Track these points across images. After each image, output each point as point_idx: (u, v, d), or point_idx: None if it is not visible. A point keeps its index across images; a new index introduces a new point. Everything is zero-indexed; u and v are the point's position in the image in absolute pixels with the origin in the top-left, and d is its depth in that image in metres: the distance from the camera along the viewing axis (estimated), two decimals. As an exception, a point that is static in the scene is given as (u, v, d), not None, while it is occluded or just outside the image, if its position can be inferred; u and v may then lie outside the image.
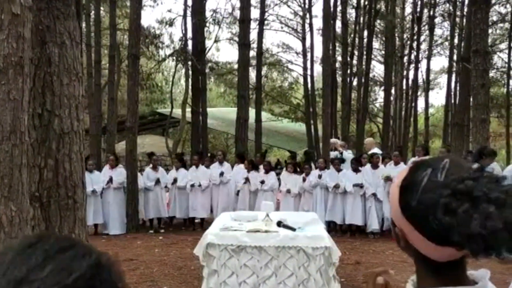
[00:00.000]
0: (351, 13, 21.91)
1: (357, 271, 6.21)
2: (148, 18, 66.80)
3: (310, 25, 19.31)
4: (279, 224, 4.91)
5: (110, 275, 0.62)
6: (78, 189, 2.67)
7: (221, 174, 9.66)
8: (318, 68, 25.75)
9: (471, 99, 9.88)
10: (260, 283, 4.74)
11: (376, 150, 10.77)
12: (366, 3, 18.35)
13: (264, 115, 24.23)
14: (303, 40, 22.65)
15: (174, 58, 16.06)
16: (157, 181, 9.70)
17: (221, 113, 23.70)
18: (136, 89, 8.97)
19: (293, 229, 4.80)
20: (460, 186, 0.79)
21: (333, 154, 10.51)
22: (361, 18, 19.32)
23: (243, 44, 12.21)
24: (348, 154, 10.73)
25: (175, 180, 9.74)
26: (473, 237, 0.76)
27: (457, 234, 0.77)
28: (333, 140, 11.19)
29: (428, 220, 0.81)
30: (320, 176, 9.32)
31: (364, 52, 18.43)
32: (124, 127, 24.40)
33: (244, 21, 12.22)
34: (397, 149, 11.17)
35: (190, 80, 15.32)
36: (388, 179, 8.62)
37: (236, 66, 19.96)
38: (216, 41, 20.02)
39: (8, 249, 0.58)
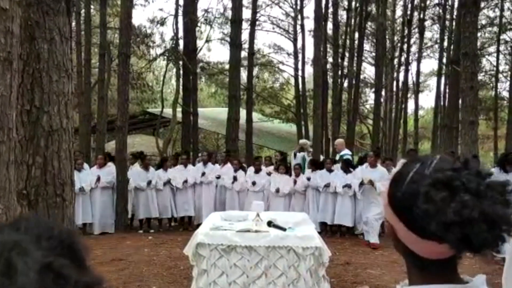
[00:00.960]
0: (342, 14, 22.03)
1: (347, 271, 6.22)
2: (139, 17, 66.41)
3: (302, 26, 19.36)
4: (270, 224, 4.91)
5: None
6: (67, 187, 2.63)
7: (203, 174, 9.66)
8: (309, 69, 25.79)
9: (460, 101, 9.96)
10: (250, 283, 4.73)
11: (346, 151, 10.54)
12: (357, 5, 18.43)
13: (255, 115, 24.25)
14: (295, 41, 22.70)
15: (165, 57, 15.96)
16: (149, 182, 9.65)
17: (212, 113, 23.66)
18: (126, 88, 8.91)
19: (284, 229, 4.80)
20: (440, 176, 0.81)
21: (299, 155, 10.23)
22: (352, 20, 19.40)
23: (235, 44, 12.20)
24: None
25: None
26: (449, 225, 0.77)
27: (434, 223, 0.78)
28: (302, 141, 10.76)
29: (411, 211, 0.82)
30: (308, 179, 9.34)
31: (355, 54, 18.49)
32: (114, 126, 24.32)
33: (235, 22, 12.20)
34: (375, 150, 10.99)
35: (181, 79, 15.24)
36: (371, 183, 8.41)
37: (227, 66, 19.94)
38: (207, 41, 19.98)
39: None
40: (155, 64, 24.39)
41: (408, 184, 0.85)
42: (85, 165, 9.52)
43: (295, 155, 10.29)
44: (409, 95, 27.30)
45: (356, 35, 20.32)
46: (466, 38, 8.83)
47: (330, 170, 9.50)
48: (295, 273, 4.68)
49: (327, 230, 9.47)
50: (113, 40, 20.53)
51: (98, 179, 9.29)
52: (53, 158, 2.53)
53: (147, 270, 6.19)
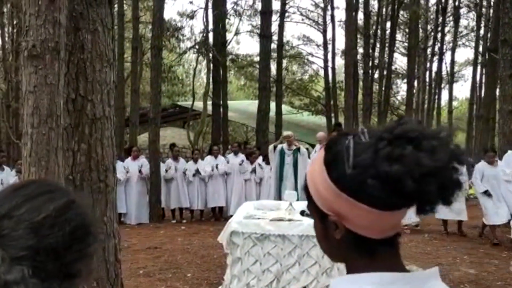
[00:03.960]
0: (374, 4, 21.65)
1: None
2: (170, 11, 66.89)
3: (332, 16, 19.12)
4: (303, 213, 4.87)
5: (76, 216, 0.74)
6: (110, 173, 2.73)
7: (216, 166, 9.77)
8: (339, 61, 25.51)
9: (498, 91, 9.67)
10: (283, 271, 4.77)
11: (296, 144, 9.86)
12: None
13: (284, 107, 24.22)
14: (324, 32, 22.48)
15: (195, 50, 16.11)
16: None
17: (241, 106, 23.74)
18: (158, 81, 9.06)
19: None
20: (396, 131, 0.74)
21: (288, 152, 8.46)
22: (384, 9, 19.03)
23: (264, 35, 12.20)
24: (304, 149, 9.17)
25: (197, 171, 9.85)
26: (425, 177, 0.70)
27: (410, 180, 0.70)
28: (288, 133, 9.11)
29: (368, 184, 0.73)
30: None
31: (387, 44, 18.16)
32: (146, 118, 24.73)
33: (265, 13, 12.18)
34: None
35: (204, 72, 15.39)
36: None
37: (256, 59, 19.94)
38: (237, 33, 20.03)
39: (2, 191, 0.74)
40: (185, 57, 24.66)
41: (355, 157, 0.75)
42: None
43: (274, 148, 8.72)
44: (443, 85, 26.66)
45: (388, 24, 19.97)
46: (505, 24, 8.55)
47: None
48: (328, 262, 4.69)
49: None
50: (144, 34, 20.87)
51: (140, 171, 9.51)
52: (96, 145, 2.63)
53: (182, 258, 6.31)
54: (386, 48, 18.39)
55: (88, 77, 2.59)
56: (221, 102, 16.95)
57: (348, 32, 11.24)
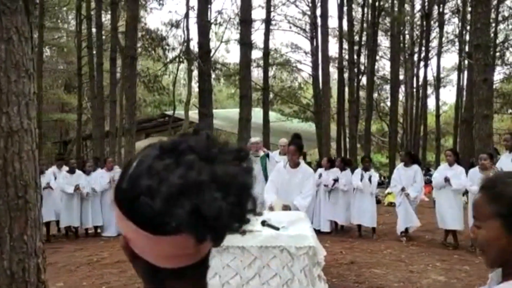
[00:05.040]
0: (359, 11, 21.74)
1: (350, 270, 6.07)
2: (156, 21, 66.90)
3: (315, 24, 19.14)
4: (263, 223, 4.81)
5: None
6: (30, 189, 2.61)
7: None
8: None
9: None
10: (243, 284, 4.65)
11: (265, 150, 9.49)
12: (370, 1, 18.12)
13: (274, 115, 24.19)
14: (312, 39, 22.53)
15: (177, 59, 16.06)
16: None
17: (230, 114, 23.67)
18: (134, 91, 8.96)
19: (277, 228, 4.70)
20: (163, 143, 0.68)
21: (255, 158, 7.79)
22: (369, 16, 19.09)
23: (244, 43, 12.15)
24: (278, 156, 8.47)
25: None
26: (175, 196, 0.61)
27: (159, 199, 0.62)
28: (256, 139, 8.34)
29: (138, 201, 0.64)
30: (320, 176, 9.24)
31: (366, 50, 18.19)
32: (139, 127, 24.53)
33: (245, 21, 12.15)
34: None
35: (195, 81, 15.33)
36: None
37: (244, 67, 19.90)
38: (221, 42, 20.00)
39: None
40: (174, 66, 24.63)
41: (134, 169, 0.68)
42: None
43: None
44: (431, 90, 26.75)
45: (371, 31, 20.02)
46: (478, 29, 8.52)
47: (342, 169, 9.40)
48: (289, 273, 4.58)
49: (338, 230, 9.33)
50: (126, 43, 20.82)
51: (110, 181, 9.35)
52: (13, 159, 2.51)
53: (149, 271, 6.17)
54: (367, 54, 18.38)
55: (3, 88, 2.48)
56: (207, 110, 16.86)
57: (324, 38, 11.15)
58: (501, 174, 1.46)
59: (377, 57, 26.38)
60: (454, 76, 29.58)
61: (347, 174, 9.28)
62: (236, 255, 4.64)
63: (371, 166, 9.23)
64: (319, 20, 19.74)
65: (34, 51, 2.61)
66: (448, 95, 67.71)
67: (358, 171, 8.97)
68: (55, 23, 25.22)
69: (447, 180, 7.56)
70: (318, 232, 9.02)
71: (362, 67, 20.00)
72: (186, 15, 14.19)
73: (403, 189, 8.27)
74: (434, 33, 24.61)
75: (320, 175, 9.33)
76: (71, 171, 8.99)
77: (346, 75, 18.82)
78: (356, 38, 20.41)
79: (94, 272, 6.25)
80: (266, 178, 7.43)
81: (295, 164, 5.98)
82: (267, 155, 7.57)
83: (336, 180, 9.21)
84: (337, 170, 9.31)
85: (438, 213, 7.87)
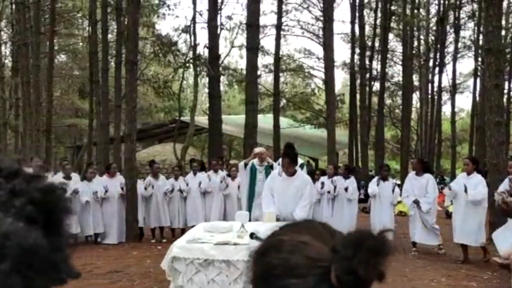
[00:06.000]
0: (372, 15, 21.39)
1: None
2: (167, 27, 67.11)
3: (324, 29, 18.83)
4: (252, 236, 4.57)
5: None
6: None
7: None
8: (340, 74, 25.18)
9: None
10: (229, 300, 4.42)
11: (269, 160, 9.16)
12: (381, 5, 17.79)
13: (286, 121, 23.95)
14: (324, 45, 22.24)
15: (184, 65, 15.99)
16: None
17: (240, 120, 23.55)
18: (134, 96, 8.84)
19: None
20: None
21: (260, 168, 7.54)
22: (379, 21, 18.77)
23: (251, 48, 11.98)
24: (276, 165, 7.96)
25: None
26: None
27: None
28: (260, 149, 7.82)
29: None
30: (322, 184, 8.98)
31: (380, 55, 17.84)
32: (146, 134, 24.49)
33: (251, 26, 11.99)
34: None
35: (202, 86, 15.22)
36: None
37: (258, 72, 19.76)
38: (233, 47, 19.90)
39: None
40: (181, 72, 24.63)
41: None
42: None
43: (245, 165, 7.77)
44: (447, 96, 26.14)
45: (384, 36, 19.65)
46: (489, 33, 8.19)
47: (346, 177, 9.14)
48: (277, 290, 4.33)
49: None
50: (143, 49, 20.90)
51: (122, 188, 9.23)
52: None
53: (139, 284, 6.00)
54: (378, 58, 18.04)
55: None
56: (216, 116, 16.74)
57: (328, 43, 10.89)
58: None
59: (392, 63, 26.01)
60: (471, 82, 28.99)
61: (352, 182, 9.00)
62: (222, 270, 4.41)
63: (389, 175, 8.80)
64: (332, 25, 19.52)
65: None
66: (466, 101, 66.41)
67: (375, 180, 8.60)
68: (69, 29, 25.48)
69: (465, 191, 6.95)
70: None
71: (375, 72, 19.64)
72: (193, 20, 14.09)
73: (415, 201, 7.75)
74: (451, 38, 24.12)
75: (323, 184, 9.04)
76: (67, 177, 8.88)
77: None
78: (369, 43, 20.10)
79: (83, 282, 6.07)
80: None
81: (291, 173, 5.76)
82: (271, 166, 7.33)
83: (346, 189, 8.92)
84: (341, 178, 9.03)
85: (454, 226, 7.32)
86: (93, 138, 15.19)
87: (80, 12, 21.15)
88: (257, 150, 7.53)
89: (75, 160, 19.58)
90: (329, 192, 8.97)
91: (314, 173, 11.24)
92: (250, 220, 5.52)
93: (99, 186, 9.20)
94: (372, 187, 8.47)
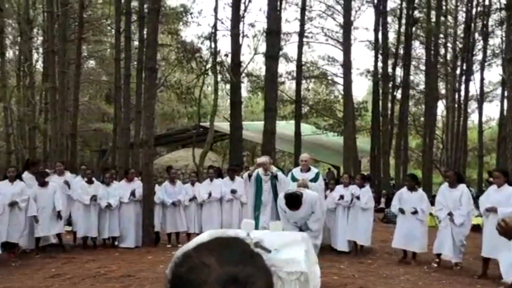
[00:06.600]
0: (397, 22, 21.14)
1: (357, 297, 5.72)
2: (191, 35, 67.86)
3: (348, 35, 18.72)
4: (256, 245, 4.57)
5: None
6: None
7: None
8: (363, 81, 24.87)
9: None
10: (232, 308, 4.43)
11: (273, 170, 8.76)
12: (404, 12, 17.57)
13: (309, 128, 23.85)
14: (344, 51, 22.08)
15: (204, 71, 16.18)
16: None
17: (261, 127, 23.59)
18: (152, 102, 9.00)
19: (268, 251, 4.43)
20: None
21: (265, 178, 7.56)
22: (403, 28, 18.54)
23: (270, 56, 12.01)
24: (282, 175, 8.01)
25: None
26: None
27: None
28: (263, 159, 7.66)
29: None
30: (341, 197, 8.87)
31: (402, 62, 17.58)
32: (169, 140, 24.77)
33: (270, 33, 12.03)
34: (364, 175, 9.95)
35: (222, 93, 15.33)
36: None
37: (279, 80, 19.79)
38: (255, 54, 20.00)
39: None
40: (208, 78, 24.89)
41: None
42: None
43: (249, 176, 7.75)
44: (475, 105, 25.53)
45: (412, 43, 19.40)
46: (511, 42, 8.01)
47: (361, 186, 9.02)
48: (278, 298, 4.32)
49: (357, 250, 8.90)
50: (167, 56, 21.27)
51: (133, 193, 9.37)
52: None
53: (148, 288, 6.07)
54: (400, 68, 17.76)
55: None
56: (236, 122, 16.82)
57: (345, 50, 10.71)
58: None
59: (418, 70, 25.61)
60: (500, 91, 28.22)
61: (367, 191, 8.89)
62: (225, 278, 4.44)
63: (416, 186, 8.38)
64: (354, 32, 19.42)
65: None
66: (495, 110, 64.60)
67: (404, 190, 8.38)
68: (98, 36, 26.14)
69: (489, 210, 6.73)
70: (334, 251, 8.70)
71: (399, 80, 19.39)
72: (215, 27, 14.25)
73: (449, 214, 7.46)
74: (479, 46, 23.60)
75: (342, 197, 8.93)
76: (89, 181, 9.11)
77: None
78: (393, 50, 19.87)
79: (96, 285, 6.21)
80: (275, 198, 7.21)
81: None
82: (276, 176, 7.33)
83: (357, 197, 8.82)
84: (356, 187, 8.93)
85: (483, 240, 7.03)
86: (117, 142, 15.54)
87: (108, 19, 21.69)
88: (259, 160, 7.54)
89: (100, 163, 20.03)
90: (342, 197, 8.86)
91: (337, 181, 11.16)
92: (257, 229, 5.57)
93: (118, 190, 9.39)
94: (394, 203, 8.33)
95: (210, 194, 9.62)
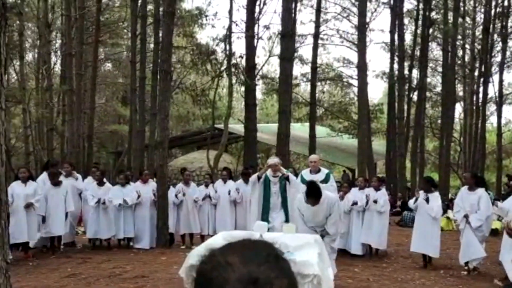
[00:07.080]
0: (413, 24, 20.94)
1: (371, 301, 5.65)
2: (206, 37, 68.18)
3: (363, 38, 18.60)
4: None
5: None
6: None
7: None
8: (379, 83, 24.68)
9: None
10: (245, 310, 4.42)
11: (284, 172, 8.33)
12: (421, 13, 17.37)
13: (324, 130, 23.72)
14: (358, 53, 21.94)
15: (218, 74, 16.22)
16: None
17: (275, 129, 23.55)
18: (166, 105, 9.05)
19: (282, 253, 4.44)
20: None
21: (274, 179, 7.30)
22: (419, 29, 18.34)
23: (284, 58, 12.00)
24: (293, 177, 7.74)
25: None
26: None
27: None
28: (274, 160, 7.40)
29: None
30: (355, 203, 8.76)
31: (418, 64, 17.38)
32: (184, 141, 24.88)
33: (285, 36, 12.02)
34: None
35: (237, 95, 15.35)
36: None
37: (294, 82, 19.75)
38: (270, 56, 19.99)
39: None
40: (223, 80, 24.98)
41: None
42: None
43: (259, 178, 7.44)
44: (494, 108, 25.13)
45: (428, 45, 19.17)
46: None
47: (377, 189, 8.93)
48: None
49: (372, 253, 8.81)
50: (182, 58, 21.40)
51: (154, 194, 9.45)
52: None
53: (162, 289, 6.09)
54: (417, 70, 17.57)
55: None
56: (251, 124, 16.83)
57: (360, 51, 10.66)
58: None
59: (435, 72, 25.31)
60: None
61: (383, 194, 8.79)
62: (238, 279, 4.44)
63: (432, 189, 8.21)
64: (370, 34, 19.28)
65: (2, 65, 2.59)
66: (516, 112, 63.50)
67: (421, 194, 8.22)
68: (115, 38, 26.46)
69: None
70: (348, 254, 8.61)
71: (415, 82, 19.19)
72: (229, 29, 14.29)
73: (466, 216, 7.28)
74: (498, 47, 23.24)
75: (355, 203, 8.84)
76: (100, 183, 9.18)
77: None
78: (409, 52, 19.67)
79: (110, 286, 6.26)
80: (284, 200, 7.12)
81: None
82: (287, 178, 7.19)
83: (374, 201, 8.72)
84: (372, 190, 8.84)
85: (503, 244, 6.74)
86: (132, 144, 15.70)
87: (125, 22, 21.93)
88: (270, 161, 7.34)
89: (116, 164, 20.20)
90: (355, 203, 8.77)
91: (352, 183, 11.07)
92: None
93: (133, 192, 9.45)
94: (411, 202, 8.21)
95: (229, 192, 9.65)
